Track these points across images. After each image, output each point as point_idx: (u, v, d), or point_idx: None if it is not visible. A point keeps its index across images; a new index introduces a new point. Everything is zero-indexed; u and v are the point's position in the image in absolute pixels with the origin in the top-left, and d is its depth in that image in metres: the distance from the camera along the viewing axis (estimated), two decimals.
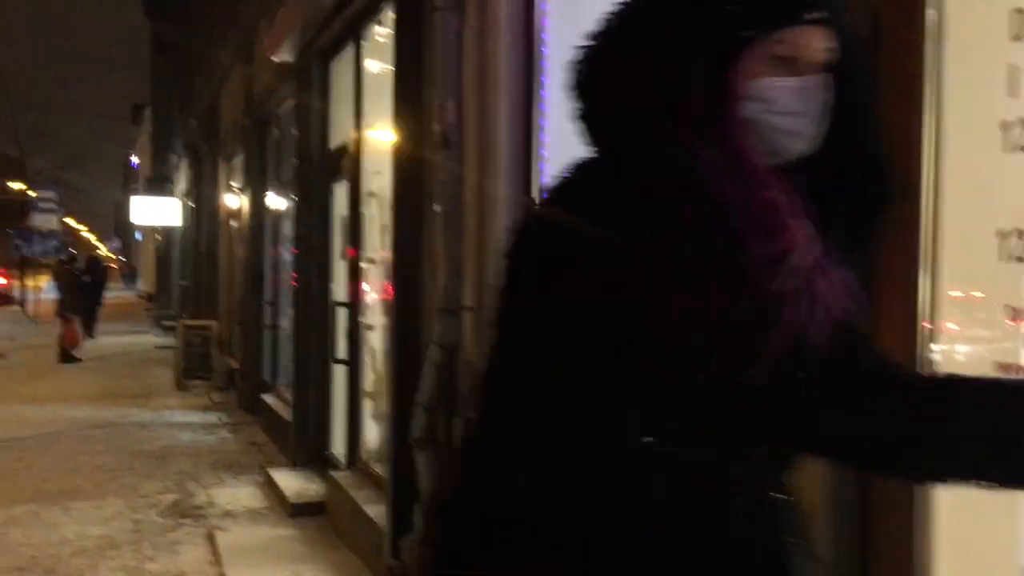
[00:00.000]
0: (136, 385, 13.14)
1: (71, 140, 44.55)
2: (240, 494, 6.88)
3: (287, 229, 9.79)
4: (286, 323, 9.80)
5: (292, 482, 6.82)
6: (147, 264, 48.26)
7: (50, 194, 27.17)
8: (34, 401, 11.44)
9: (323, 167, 7.35)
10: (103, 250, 77.59)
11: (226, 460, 8.08)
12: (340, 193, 7.11)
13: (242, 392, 11.11)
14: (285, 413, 8.62)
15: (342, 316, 6.47)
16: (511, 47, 3.61)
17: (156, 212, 25.82)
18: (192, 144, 17.75)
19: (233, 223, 14.42)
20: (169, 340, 20.01)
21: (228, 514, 6.37)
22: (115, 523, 6.18)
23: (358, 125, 6.29)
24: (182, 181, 24.12)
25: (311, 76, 7.39)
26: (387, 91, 6.23)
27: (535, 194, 3.62)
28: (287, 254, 9.88)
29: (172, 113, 28.24)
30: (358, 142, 6.29)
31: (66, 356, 15.95)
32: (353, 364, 6.36)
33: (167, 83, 29.21)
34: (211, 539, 5.76)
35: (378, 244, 6.21)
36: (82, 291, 18.27)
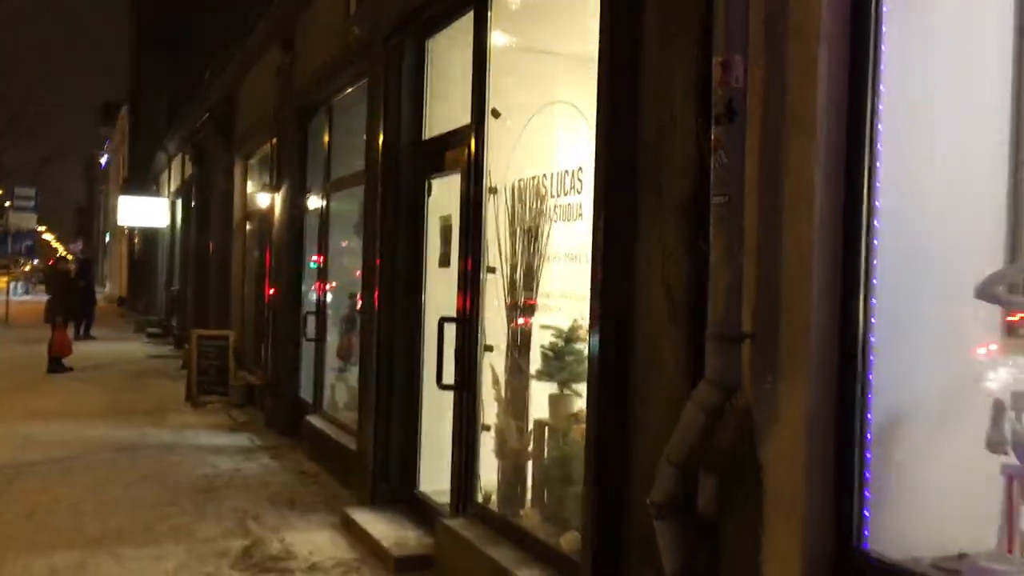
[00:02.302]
0: (143, 399, 11.99)
1: (43, 138, 42.96)
2: (319, 540, 5.86)
3: (340, 232, 8.81)
4: (334, 337, 8.80)
5: (382, 527, 5.81)
6: (118, 267, 46.68)
7: (29, 191, 25.77)
8: (37, 417, 10.28)
9: (415, 161, 6.37)
10: (61, 251, 76.04)
11: (283, 494, 7.04)
12: (442, 190, 6.15)
13: (272, 412, 10.05)
14: (343, 439, 7.62)
15: (450, 334, 5.50)
16: None
17: (142, 213, 24.60)
18: (196, 141, 16.62)
19: (249, 225, 13.39)
20: (163, 349, 18.92)
21: (316, 568, 5.35)
22: None
23: (479, 109, 5.33)
24: (173, 181, 22.94)
25: (401, 55, 6.42)
26: (519, 68, 5.34)
27: (865, 186, 2.70)
28: (341, 260, 8.89)
29: (158, 110, 27.05)
30: (479, 130, 5.34)
31: (55, 365, 14.73)
32: (466, 390, 5.38)
33: (155, 79, 27.98)
34: None
35: (504, 250, 5.26)
36: (76, 294, 17.03)
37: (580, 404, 5.17)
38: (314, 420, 8.58)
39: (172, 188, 23.03)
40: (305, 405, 9.26)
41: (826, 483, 2.74)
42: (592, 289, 3.65)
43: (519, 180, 5.06)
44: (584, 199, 4.41)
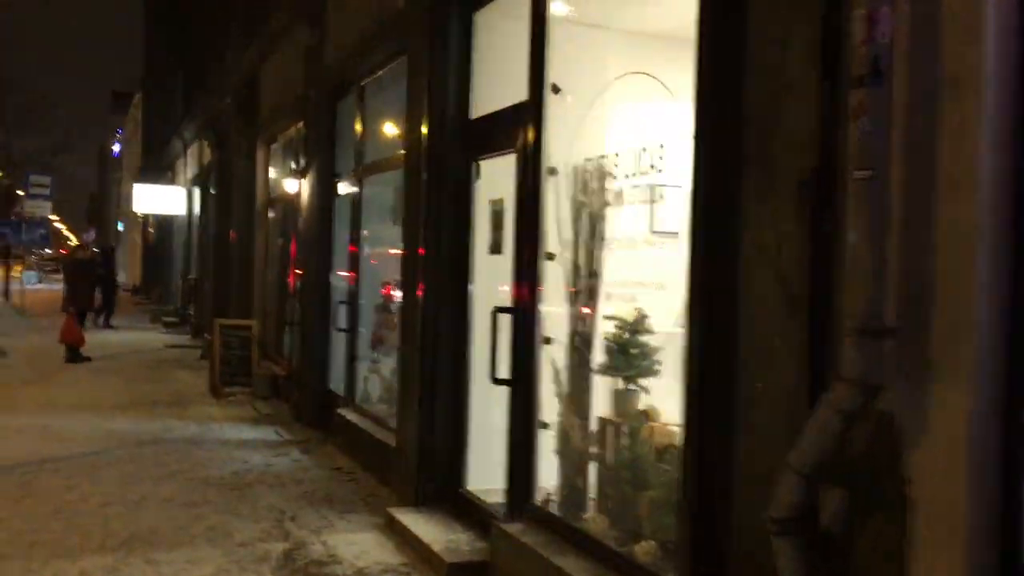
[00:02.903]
0: (164, 390, 11.69)
1: (55, 125, 42.87)
2: (364, 543, 5.53)
3: (374, 218, 8.47)
4: (366, 328, 8.47)
5: (430, 530, 5.48)
6: (132, 256, 46.49)
7: (44, 179, 25.48)
8: (56, 409, 9.98)
9: (462, 141, 6.01)
10: (74, 241, 76.30)
11: (319, 492, 6.72)
12: (492, 172, 5.79)
13: (298, 403, 9.73)
14: (379, 434, 7.29)
15: (504, 326, 5.14)
16: None
17: (158, 200, 24.31)
18: (216, 126, 16.28)
19: (272, 212, 13.07)
20: (181, 338, 18.64)
21: (363, 574, 5.02)
22: None
23: (537, 85, 4.96)
24: (189, 167, 22.64)
25: (446, 29, 6.05)
26: (582, 41, 4.97)
27: None
28: (374, 247, 8.55)
29: (173, 96, 26.73)
30: (537, 107, 4.97)
31: (73, 355, 14.44)
32: (523, 385, 5.03)
33: (169, 65, 27.64)
34: None
35: (565, 235, 4.90)
36: (97, 283, 16.74)
37: (647, 400, 4.83)
38: (347, 413, 8.25)
39: (189, 175, 22.73)
40: (335, 397, 8.93)
41: (990, 498, 2.38)
42: (689, 279, 3.29)
43: (585, 160, 4.69)
44: (664, 178, 4.05)
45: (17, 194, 33.03)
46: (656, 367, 4.94)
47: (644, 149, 4.17)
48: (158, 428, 9.09)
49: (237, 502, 6.40)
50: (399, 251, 8.01)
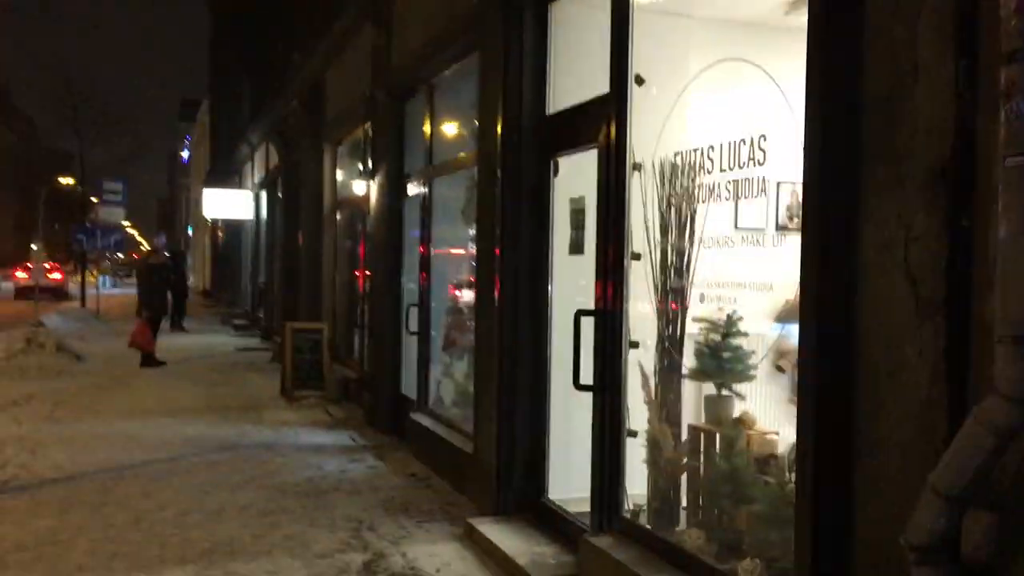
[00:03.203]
0: (237, 395, 11.72)
1: (126, 133, 43.93)
2: (444, 554, 5.37)
3: (444, 220, 8.32)
4: (437, 331, 8.32)
5: (512, 542, 5.29)
6: (201, 260, 47.34)
7: (117, 186, 25.99)
8: (135, 415, 10.05)
9: (539, 138, 5.80)
10: (146, 246, 78.25)
11: (395, 500, 6.58)
12: (572, 170, 5.58)
13: (372, 408, 9.64)
14: (454, 440, 7.13)
15: (587, 329, 4.92)
16: None
17: (226, 205, 24.60)
18: (283, 130, 16.34)
19: (339, 215, 13.03)
20: (251, 341, 18.80)
21: None
22: None
23: (620, 77, 4.73)
24: (257, 171, 22.85)
25: (521, 23, 5.85)
26: (660, 32, 4.74)
27: None
28: (444, 249, 8.41)
29: (240, 102, 27.04)
30: (620, 99, 4.74)
31: (148, 360, 14.61)
32: (609, 392, 4.80)
33: (235, 70, 27.98)
34: None
35: (653, 234, 4.67)
36: (165, 287, 16.97)
37: (742, 407, 4.58)
38: (420, 418, 8.11)
39: (256, 179, 22.94)
40: (408, 402, 8.81)
41: None
42: (803, 281, 3.03)
43: (675, 154, 4.45)
44: (766, 172, 3.78)
45: (91, 201, 33.83)
46: (751, 372, 4.69)
47: (742, 141, 3.91)
48: (233, 433, 9.08)
49: (314, 510, 6.29)
50: (470, 252, 7.87)
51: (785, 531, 3.72)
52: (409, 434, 8.30)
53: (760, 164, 3.78)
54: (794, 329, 4.02)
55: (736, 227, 4.14)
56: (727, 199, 4.05)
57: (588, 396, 4.95)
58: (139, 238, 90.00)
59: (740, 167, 3.90)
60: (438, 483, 7.08)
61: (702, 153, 4.20)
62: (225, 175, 29.66)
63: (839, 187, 2.95)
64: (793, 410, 5.28)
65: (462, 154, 7.63)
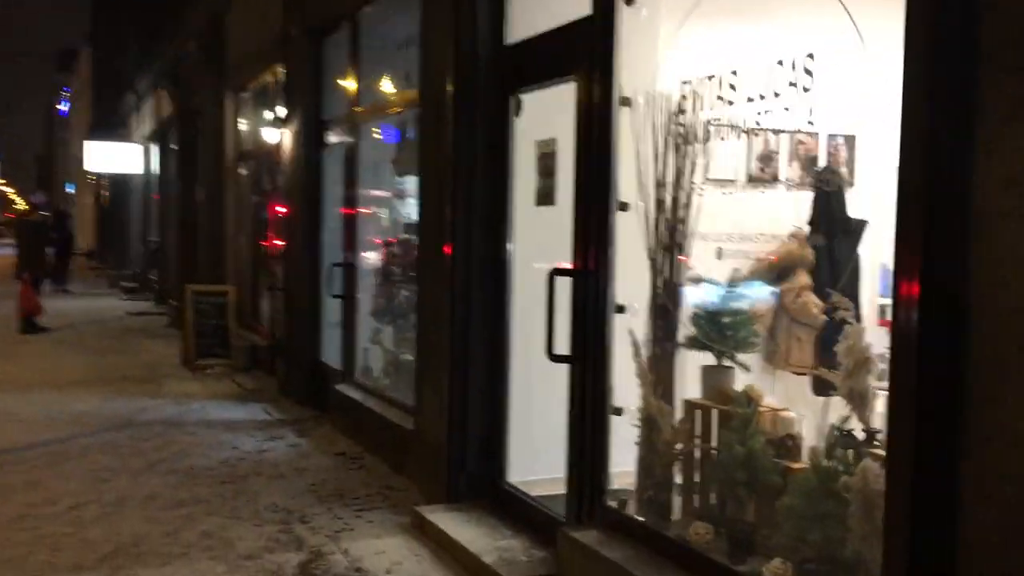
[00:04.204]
0: (133, 364, 10.66)
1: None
2: (393, 551, 4.66)
3: (378, 169, 7.51)
4: (368, 296, 7.54)
5: (471, 534, 4.62)
6: (84, 219, 44.67)
7: None
8: (14, 388, 8.94)
9: (496, 72, 5.06)
10: (21, 205, 74.01)
11: (327, 484, 5.82)
12: (539, 108, 4.88)
13: (286, 377, 8.80)
14: (390, 414, 6.42)
15: (563, 291, 4.26)
16: None
17: (112, 159, 22.94)
18: (177, 76, 15.03)
19: (244, 167, 12.00)
20: (143, 305, 17.52)
21: None
22: None
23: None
24: (146, 123, 21.31)
25: None
26: None
27: None
28: (375, 202, 7.61)
29: (125, 49, 25.19)
30: (606, 21, 4.05)
31: (29, 325, 13.31)
32: (591, 363, 4.16)
33: (120, 14, 26.03)
34: None
35: (647, 180, 4.01)
36: (48, 247, 15.56)
37: (746, 379, 4.01)
38: (346, 389, 7.33)
39: (146, 131, 21.40)
40: (329, 371, 8.00)
41: None
42: (899, 231, 2.41)
43: (682, 82, 3.78)
44: (811, 100, 3.15)
45: None
46: (754, 339, 4.13)
47: (779, 63, 3.25)
48: (131, 408, 8.11)
49: (233, 499, 5.49)
50: (405, 206, 7.11)
51: (826, 530, 3.17)
52: (333, 407, 7.51)
53: (805, 90, 3.13)
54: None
55: (757, 170, 3.52)
56: (756, 136, 3.41)
57: (552, 367, 4.30)
58: (14, 196, 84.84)
59: (778, 95, 3.24)
60: (372, 463, 6.34)
61: (719, 82, 3.53)
62: (109, 127, 27.71)
63: (948, 109, 2.33)
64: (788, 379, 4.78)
65: (396, 96, 6.82)
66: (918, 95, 2.37)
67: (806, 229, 4.13)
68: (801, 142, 3.79)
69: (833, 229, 4.18)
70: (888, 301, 4.55)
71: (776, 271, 4.74)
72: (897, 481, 2.42)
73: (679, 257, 3.91)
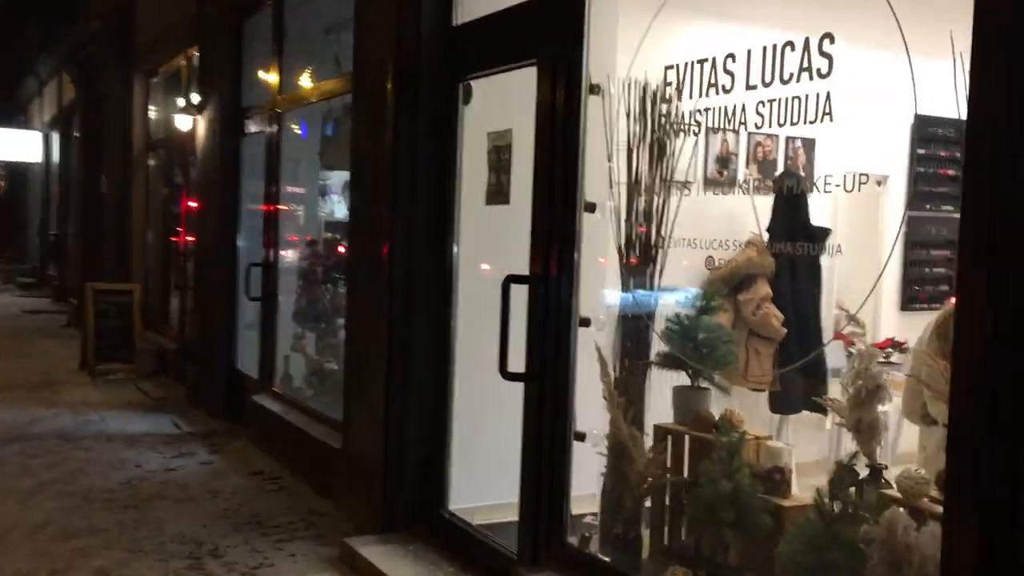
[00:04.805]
0: (25, 368, 9.79)
1: None
2: None
3: (298, 163, 6.92)
4: (289, 299, 6.95)
5: (409, 571, 4.11)
6: None
7: None
8: None
9: (442, 56, 4.56)
10: None
11: (243, 510, 5.22)
12: (492, 97, 4.40)
13: (197, 385, 8.12)
14: (314, 431, 5.85)
15: (519, 300, 3.80)
16: None
17: (8, 146, 21.61)
18: (82, 60, 14.06)
19: (154, 158, 11.23)
20: (41, 302, 16.46)
21: None
22: None
23: None
24: (47, 109, 20.09)
25: None
26: None
27: None
28: (298, 198, 7.01)
29: (26, 29, 23.77)
30: (573, 1, 3.60)
31: None
32: (549, 382, 3.70)
33: None
34: None
35: (618, 177, 3.58)
36: None
37: (725, 403, 3.61)
38: (264, 401, 6.72)
39: (46, 118, 20.17)
40: (245, 379, 7.38)
41: None
42: (963, 229, 2.00)
43: (665, 68, 3.34)
44: (820, 87, 2.74)
45: None
46: (730, 359, 3.74)
47: (788, 44, 2.83)
48: (20, 419, 7.34)
49: (135, 528, 4.85)
50: (332, 203, 6.57)
51: None
52: (250, 420, 6.89)
53: (821, 76, 2.72)
54: None
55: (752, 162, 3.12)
56: (758, 126, 2.99)
57: (504, 384, 3.83)
58: None
59: (784, 82, 2.83)
60: (294, 484, 5.77)
61: (713, 65, 3.10)
62: (8, 114, 26.18)
63: None
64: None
65: (324, 82, 6.26)
66: (987, 65, 1.97)
67: (765, 236, 3.76)
68: (760, 143, 3.41)
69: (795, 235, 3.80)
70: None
71: (735, 280, 4.39)
72: (953, 526, 2.01)
73: (633, 278, 3.49)
